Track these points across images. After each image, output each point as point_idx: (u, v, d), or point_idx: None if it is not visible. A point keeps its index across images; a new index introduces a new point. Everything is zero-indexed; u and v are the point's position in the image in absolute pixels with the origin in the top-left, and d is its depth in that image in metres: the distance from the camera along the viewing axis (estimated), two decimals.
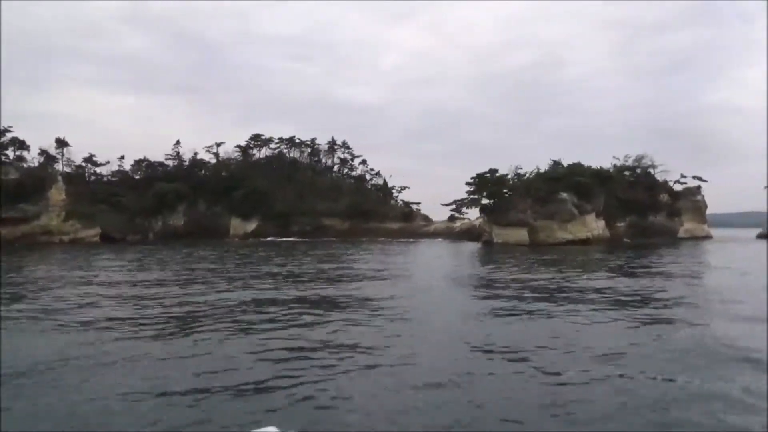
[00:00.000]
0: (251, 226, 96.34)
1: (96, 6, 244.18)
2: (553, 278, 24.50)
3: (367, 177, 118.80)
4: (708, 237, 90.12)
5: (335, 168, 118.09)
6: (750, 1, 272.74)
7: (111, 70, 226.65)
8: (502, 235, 61.31)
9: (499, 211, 61.63)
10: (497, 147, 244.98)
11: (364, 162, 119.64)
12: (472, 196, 63.29)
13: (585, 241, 64.73)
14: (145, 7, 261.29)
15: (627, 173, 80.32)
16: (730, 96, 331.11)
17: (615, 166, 79.76)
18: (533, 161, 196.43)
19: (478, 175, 63.06)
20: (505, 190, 65.43)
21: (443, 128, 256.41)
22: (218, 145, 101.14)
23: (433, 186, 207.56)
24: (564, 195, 63.05)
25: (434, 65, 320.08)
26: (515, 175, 64.18)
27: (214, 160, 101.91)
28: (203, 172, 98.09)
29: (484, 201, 62.84)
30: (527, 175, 65.78)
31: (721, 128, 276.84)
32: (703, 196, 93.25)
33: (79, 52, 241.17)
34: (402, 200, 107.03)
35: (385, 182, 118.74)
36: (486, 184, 65.69)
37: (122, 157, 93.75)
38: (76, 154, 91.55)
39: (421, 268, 30.28)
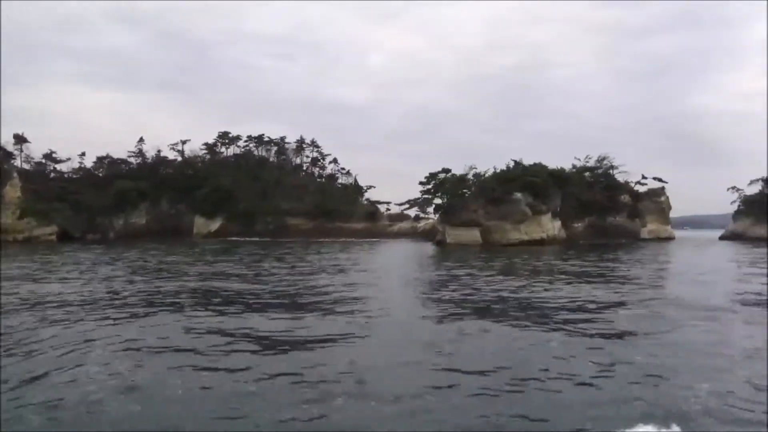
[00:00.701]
0: (215, 225, 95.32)
1: (79, 2, 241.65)
2: (469, 282, 24.02)
3: (338, 176, 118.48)
4: (671, 238, 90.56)
5: (305, 167, 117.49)
6: (736, 2, 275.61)
7: (94, 66, 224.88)
8: (454, 235, 60.94)
9: (452, 211, 61.26)
10: (484, 148, 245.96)
11: (335, 161, 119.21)
12: (425, 196, 62.84)
13: (540, 242, 64.58)
14: (130, 3, 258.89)
15: (587, 174, 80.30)
16: (713, 100, 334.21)
17: (574, 166, 79.75)
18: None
19: (430, 174, 62.72)
20: (465, 191, 65.07)
21: (430, 129, 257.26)
22: (183, 142, 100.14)
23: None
24: (518, 195, 62.84)
25: (421, 66, 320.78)
26: (471, 175, 63.75)
27: (179, 158, 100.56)
28: (167, 170, 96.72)
29: (438, 201, 62.39)
30: (483, 175, 65.45)
31: (705, 132, 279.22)
32: (667, 197, 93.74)
33: (61, 48, 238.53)
34: (368, 199, 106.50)
35: (355, 181, 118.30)
36: (441, 184, 65.35)
37: (83, 154, 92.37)
38: (39, 151, 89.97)
39: (342, 270, 29.59)
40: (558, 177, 68.50)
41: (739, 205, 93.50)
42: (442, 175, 62.23)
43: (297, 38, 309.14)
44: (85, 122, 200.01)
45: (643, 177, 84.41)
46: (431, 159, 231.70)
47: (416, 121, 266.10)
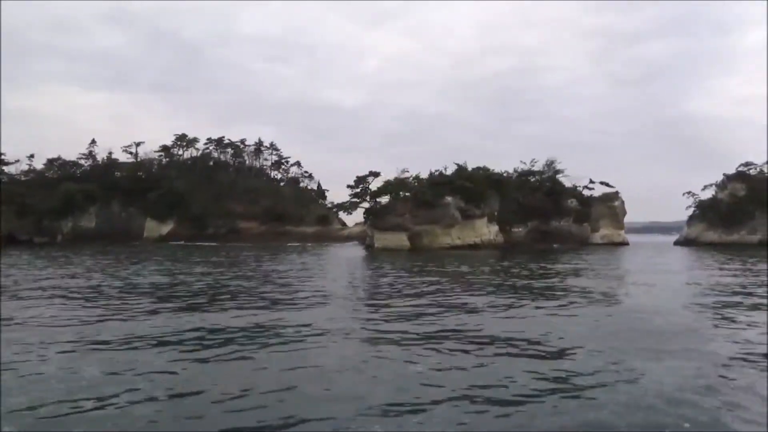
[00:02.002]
0: (166, 228, 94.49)
1: (70, 3, 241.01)
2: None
3: (300, 179, 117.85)
4: (624, 243, 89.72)
5: (267, 170, 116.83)
6: (729, 8, 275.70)
7: (85, 67, 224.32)
8: (381, 239, 60.17)
9: (379, 215, 60.51)
10: (477, 151, 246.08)
11: (297, 164, 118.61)
12: (352, 200, 62.06)
13: (474, 246, 63.83)
14: (121, 4, 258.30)
15: (533, 178, 79.61)
16: (706, 105, 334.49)
17: (516, 170, 79.11)
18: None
19: (358, 177, 61.96)
20: (399, 194, 64.26)
21: (423, 132, 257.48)
22: (137, 144, 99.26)
23: None
24: (448, 199, 62.06)
25: (414, 69, 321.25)
26: (411, 179, 62.99)
27: (133, 160, 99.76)
28: (119, 172, 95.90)
29: (366, 204, 61.59)
30: (416, 179, 64.68)
31: (698, 136, 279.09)
32: (622, 202, 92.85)
33: (52, 48, 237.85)
34: (332, 203, 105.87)
35: (318, 185, 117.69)
36: (382, 187, 64.62)
37: (32, 156, 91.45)
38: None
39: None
40: (496, 181, 67.71)
41: (693, 210, 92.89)
42: (370, 179, 61.52)
43: (290, 40, 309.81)
44: (77, 123, 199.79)
45: (591, 181, 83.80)
46: (424, 162, 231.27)
47: (409, 124, 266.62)
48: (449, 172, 66.89)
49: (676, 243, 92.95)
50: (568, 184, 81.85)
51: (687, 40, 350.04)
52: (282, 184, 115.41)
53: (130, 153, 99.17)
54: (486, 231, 66.33)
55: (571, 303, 16.97)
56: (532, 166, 79.91)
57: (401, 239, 59.65)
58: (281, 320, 13.47)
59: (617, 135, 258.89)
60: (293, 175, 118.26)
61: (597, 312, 15.30)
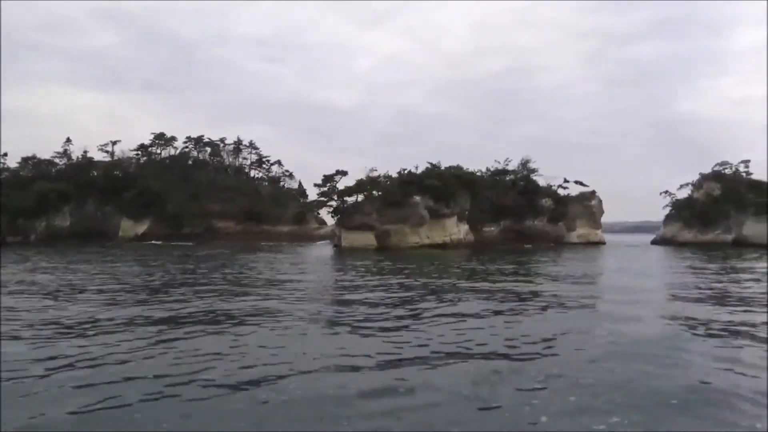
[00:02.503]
0: (142, 227, 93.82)
1: (63, 2, 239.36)
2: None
3: (282, 179, 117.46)
4: (601, 242, 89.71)
5: (247, 169, 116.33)
6: (722, 8, 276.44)
7: (79, 66, 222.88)
8: (349, 238, 59.88)
9: (346, 215, 60.21)
10: (472, 151, 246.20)
11: (278, 163, 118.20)
12: (320, 199, 61.74)
13: (443, 246, 63.61)
14: (114, 3, 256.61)
15: (508, 177, 79.44)
16: (699, 106, 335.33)
17: (488, 169, 78.92)
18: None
19: (325, 176, 61.63)
20: (366, 193, 63.95)
21: (418, 132, 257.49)
22: (114, 143, 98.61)
23: None
24: (417, 198, 61.80)
25: (409, 69, 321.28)
26: (371, 178, 62.66)
27: (109, 159, 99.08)
28: (95, 171, 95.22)
29: (333, 203, 61.23)
30: (386, 178, 64.40)
31: (693, 137, 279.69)
32: (599, 201, 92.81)
33: (45, 47, 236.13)
34: (313, 201, 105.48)
35: (300, 184, 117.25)
36: (354, 186, 64.30)
37: (5, 155, 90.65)
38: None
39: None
40: (466, 180, 67.49)
41: (670, 210, 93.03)
42: (338, 178, 61.21)
43: (285, 40, 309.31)
44: (71, 123, 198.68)
45: (565, 180, 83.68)
46: (420, 162, 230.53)
47: (405, 124, 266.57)
48: (422, 170, 66.61)
49: (653, 242, 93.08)
50: (543, 183, 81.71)
51: (680, 41, 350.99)
52: (265, 183, 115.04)
53: (107, 152, 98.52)
54: (456, 230, 66.12)
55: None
56: (506, 165, 79.80)
57: (368, 238, 59.36)
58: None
59: (612, 135, 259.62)
60: (274, 174, 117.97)
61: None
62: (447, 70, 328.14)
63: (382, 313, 14.03)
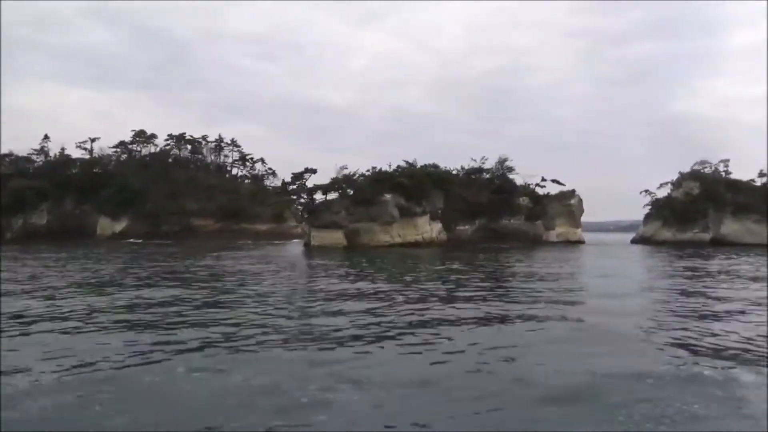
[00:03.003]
0: (120, 226, 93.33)
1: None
2: None
3: (264, 177, 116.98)
4: (580, 242, 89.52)
5: (229, 167, 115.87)
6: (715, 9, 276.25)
7: (71, 64, 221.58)
8: (318, 237, 59.49)
9: (315, 212, 59.86)
10: (464, 151, 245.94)
11: (261, 161, 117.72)
12: (284, 198, 61.31)
13: (415, 244, 63.30)
14: (107, 3, 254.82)
15: (484, 176, 79.08)
16: (693, 106, 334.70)
17: (462, 167, 78.54)
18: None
19: (294, 174, 61.25)
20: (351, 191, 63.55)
21: (412, 131, 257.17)
22: (92, 140, 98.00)
23: None
24: (387, 197, 61.44)
25: (403, 69, 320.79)
26: (342, 175, 62.29)
27: (87, 157, 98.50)
28: (73, 169, 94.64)
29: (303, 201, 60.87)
30: (357, 176, 64.05)
31: (687, 137, 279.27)
32: (580, 200, 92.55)
33: (36, 45, 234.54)
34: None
35: (283, 182, 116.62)
36: (330, 183, 63.90)
37: None
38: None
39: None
40: (438, 179, 67.18)
41: (650, 209, 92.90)
42: (307, 176, 60.81)
43: (278, 39, 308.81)
44: (63, 121, 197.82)
45: (543, 179, 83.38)
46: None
47: (399, 123, 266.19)
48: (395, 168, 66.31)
49: (633, 241, 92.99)
50: (520, 182, 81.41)
51: (673, 41, 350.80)
52: (247, 181, 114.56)
53: (85, 149, 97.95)
54: (428, 229, 65.79)
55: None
56: (483, 163, 79.43)
57: (337, 237, 59.00)
58: None
59: (607, 135, 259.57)
60: (258, 172, 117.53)
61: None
62: (441, 69, 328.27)
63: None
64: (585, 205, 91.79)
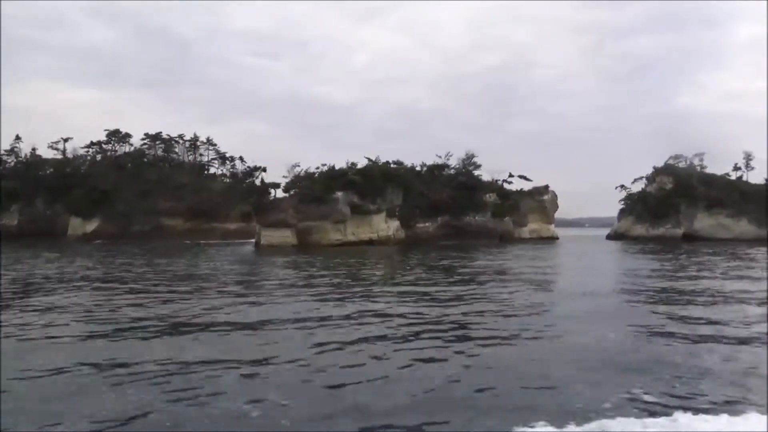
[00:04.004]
0: (91, 226, 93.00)
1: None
2: None
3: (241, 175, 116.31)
4: (553, 237, 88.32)
5: (208, 166, 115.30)
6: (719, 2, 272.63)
7: (74, 63, 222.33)
8: (266, 236, 58.85)
9: (264, 211, 59.18)
10: (469, 146, 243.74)
11: (240, 159, 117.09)
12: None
13: (370, 242, 62.55)
14: (110, 1, 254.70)
15: (449, 172, 77.98)
16: (697, 101, 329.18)
17: (423, 164, 77.35)
18: (498, 162, 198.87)
19: (244, 173, 60.50)
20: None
21: (415, 128, 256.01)
22: (65, 140, 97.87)
23: None
24: (338, 194, 60.62)
25: (405, 65, 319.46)
26: (294, 174, 61.59)
27: (60, 157, 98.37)
28: (45, 169, 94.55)
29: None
30: (302, 173, 63.34)
31: (691, 132, 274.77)
32: (554, 196, 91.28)
33: (39, 44, 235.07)
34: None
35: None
36: (290, 182, 63.25)
37: None
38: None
39: None
40: (394, 175, 66.25)
41: (625, 204, 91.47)
42: (257, 173, 60.06)
43: (280, 36, 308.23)
44: (66, 120, 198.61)
45: (510, 175, 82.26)
46: (417, 157, 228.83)
47: (402, 120, 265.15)
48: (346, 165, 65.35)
49: (608, 237, 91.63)
50: (488, 178, 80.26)
51: (677, 36, 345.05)
52: (226, 180, 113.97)
53: (57, 149, 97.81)
54: (384, 226, 64.94)
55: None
56: (447, 159, 78.32)
57: (286, 236, 58.30)
58: None
59: (608, 130, 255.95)
60: (237, 171, 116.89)
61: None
62: (443, 65, 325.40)
63: None
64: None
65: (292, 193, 62.57)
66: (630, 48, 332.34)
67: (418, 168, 75.64)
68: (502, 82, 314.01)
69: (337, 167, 65.64)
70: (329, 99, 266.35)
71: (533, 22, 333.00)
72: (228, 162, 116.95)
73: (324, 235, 60.18)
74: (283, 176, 61.03)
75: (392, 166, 71.94)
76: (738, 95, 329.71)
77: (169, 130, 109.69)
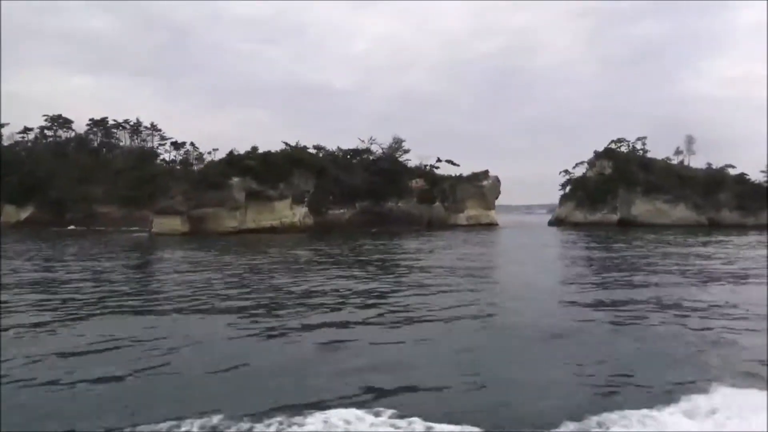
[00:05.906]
0: (25, 213, 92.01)
1: None
2: None
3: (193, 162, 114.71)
4: (492, 224, 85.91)
5: (160, 151, 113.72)
6: None
7: (70, 50, 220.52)
8: (158, 224, 57.09)
9: (154, 198, 57.44)
10: (468, 133, 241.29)
11: (192, 144, 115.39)
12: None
13: (273, 230, 60.70)
14: None
15: (370, 157, 75.69)
16: (699, 86, 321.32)
17: (339, 148, 75.08)
18: (500, 148, 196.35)
19: (138, 159, 58.70)
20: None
21: (415, 114, 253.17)
22: (1, 126, 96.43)
23: None
24: (234, 180, 58.67)
25: (405, 51, 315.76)
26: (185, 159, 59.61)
27: None
28: None
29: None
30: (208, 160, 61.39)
31: (694, 118, 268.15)
32: (495, 181, 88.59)
33: (35, 30, 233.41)
34: None
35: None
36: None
37: None
38: None
39: None
40: (299, 160, 64.15)
41: (567, 189, 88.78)
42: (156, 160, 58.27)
43: (279, 22, 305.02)
44: (63, 107, 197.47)
45: (438, 160, 79.73)
46: (416, 145, 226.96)
47: (402, 106, 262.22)
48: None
49: (550, 223, 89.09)
50: (416, 163, 77.88)
51: (680, 20, 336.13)
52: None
53: None
54: (289, 213, 63.00)
55: None
56: (370, 144, 76.00)
57: (175, 224, 56.48)
58: None
59: (611, 114, 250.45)
60: (188, 156, 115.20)
61: None
62: (443, 50, 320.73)
63: None
64: None
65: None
66: (633, 33, 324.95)
67: (336, 153, 73.31)
68: (504, 68, 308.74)
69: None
70: (328, 85, 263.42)
71: (535, 7, 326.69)
72: (180, 148, 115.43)
73: (220, 222, 58.36)
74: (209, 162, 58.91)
75: (309, 151, 69.80)
76: (740, 79, 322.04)
77: (163, 118, 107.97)
